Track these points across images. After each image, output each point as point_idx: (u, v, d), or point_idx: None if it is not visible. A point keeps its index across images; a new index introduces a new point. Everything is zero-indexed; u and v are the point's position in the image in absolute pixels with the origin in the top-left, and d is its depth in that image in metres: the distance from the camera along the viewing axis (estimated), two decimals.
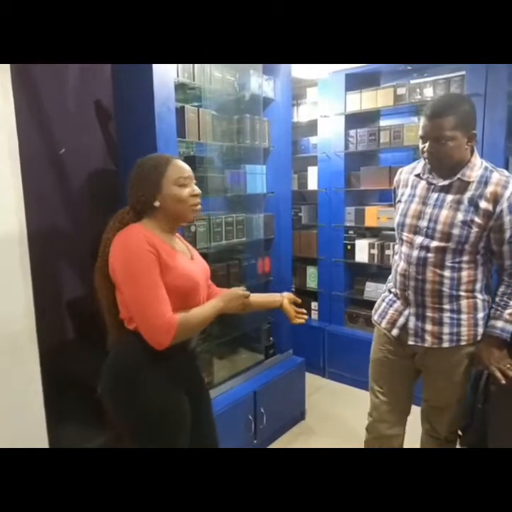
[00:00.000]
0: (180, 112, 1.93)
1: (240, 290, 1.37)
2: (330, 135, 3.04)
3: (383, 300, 1.66)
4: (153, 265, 1.15)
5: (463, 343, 1.47)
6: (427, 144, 1.41)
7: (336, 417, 2.68)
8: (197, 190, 1.26)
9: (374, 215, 2.88)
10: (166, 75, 1.76)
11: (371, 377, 1.71)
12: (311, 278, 3.33)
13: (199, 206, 1.27)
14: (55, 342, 2.00)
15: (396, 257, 1.61)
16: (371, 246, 2.93)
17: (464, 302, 1.46)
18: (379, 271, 3.06)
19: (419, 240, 1.47)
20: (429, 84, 2.64)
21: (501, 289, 1.47)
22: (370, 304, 3.11)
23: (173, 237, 1.30)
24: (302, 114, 3.31)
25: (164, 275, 1.17)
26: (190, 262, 1.30)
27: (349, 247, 3.04)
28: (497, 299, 1.47)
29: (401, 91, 2.73)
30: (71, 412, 1.90)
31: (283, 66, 2.41)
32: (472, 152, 1.44)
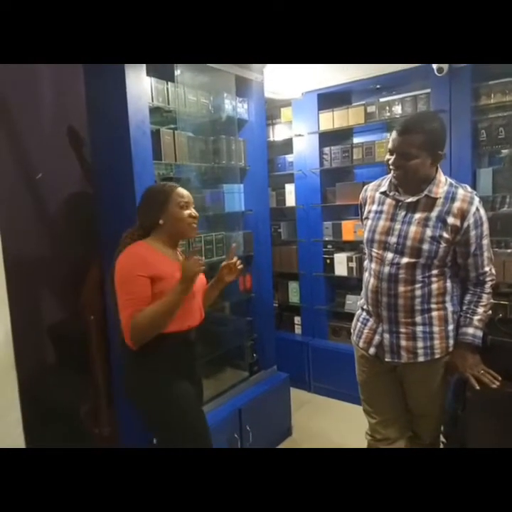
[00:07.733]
0: (155, 135, 1.97)
1: (190, 262, 1.36)
2: (305, 153, 3.12)
3: (358, 319, 1.69)
4: (141, 282, 1.36)
5: (437, 356, 1.51)
6: (393, 157, 1.46)
7: (323, 431, 2.67)
8: (194, 212, 1.49)
9: (351, 229, 2.95)
10: (139, 99, 1.79)
11: (362, 399, 1.72)
12: (293, 293, 3.36)
13: (195, 225, 1.50)
14: (35, 368, 1.97)
15: (366, 274, 1.63)
16: (349, 259, 2.98)
17: (434, 314, 1.50)
18: (358, 283, 3.10)
19: (389, 256, 1.50)
20: (397, 102, 2.76)
21: (468, 297, 1.53)
22: (351, 317, 3.14)
23: (175, 251, 1.53)
24: (278, 134, 3.39)
25: (157, 283, 1.38)
26: None
27: (328, 261, 3.09)
28: (464, 308, 1.52)
29: (371, 109, 2.84)
30: (52, 440, 1.86)
31: (256, 88, 2.48)
32: (436, 170, 1.49)
